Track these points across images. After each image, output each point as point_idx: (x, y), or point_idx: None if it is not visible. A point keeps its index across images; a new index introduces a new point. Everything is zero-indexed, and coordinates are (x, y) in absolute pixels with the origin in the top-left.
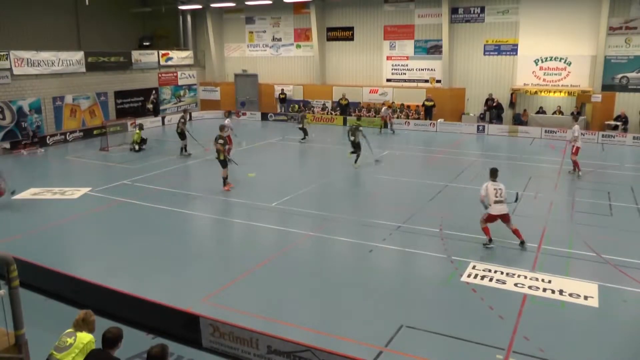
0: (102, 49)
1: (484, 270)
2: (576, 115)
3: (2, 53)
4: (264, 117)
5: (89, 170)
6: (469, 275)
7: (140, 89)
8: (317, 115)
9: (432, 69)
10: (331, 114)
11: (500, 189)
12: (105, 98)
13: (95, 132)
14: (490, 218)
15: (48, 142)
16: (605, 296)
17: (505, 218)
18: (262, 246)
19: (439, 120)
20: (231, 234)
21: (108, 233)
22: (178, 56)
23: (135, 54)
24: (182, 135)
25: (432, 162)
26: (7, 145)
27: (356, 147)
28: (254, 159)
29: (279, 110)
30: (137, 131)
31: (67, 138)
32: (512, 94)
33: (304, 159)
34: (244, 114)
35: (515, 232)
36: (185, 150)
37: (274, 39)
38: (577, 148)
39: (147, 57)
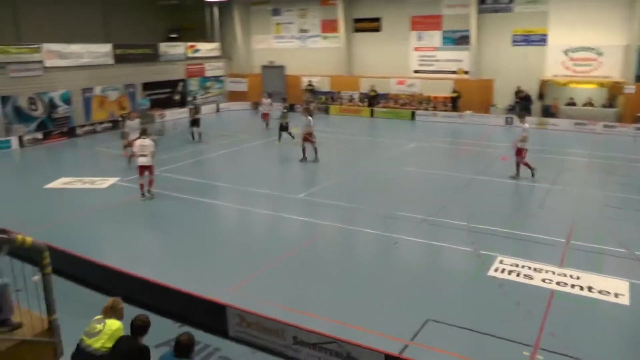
0: (130, 41)
1: (511, 265)
2: (523, 113)
3: (34, 46)
4: (291, 108)
5: (118, 161)
6: (495, 270)
7: (167, 80)
8: (344, 107)
9: (460, 60)
10: (358, 105)
11: (146, 145)
12: (133, 89)
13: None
14: (139, 169)
15: (78, 132)
16: (637, 294)
17: (149, 169)
18: (289, 237)
19: (466, 112)
20: (258, 224)
21: (136, 222)
22: (205, 48)
23: (163, 46)
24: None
25: (459, 154)
26: (39, 136)
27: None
28: (281, 151)
29: None
30: None
31: (96, 129)
32: (541, 86)
33: (331, 150)
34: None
35: (143, 186)
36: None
37: (300, 30)
38: (522, 150)
39: (174, 49)
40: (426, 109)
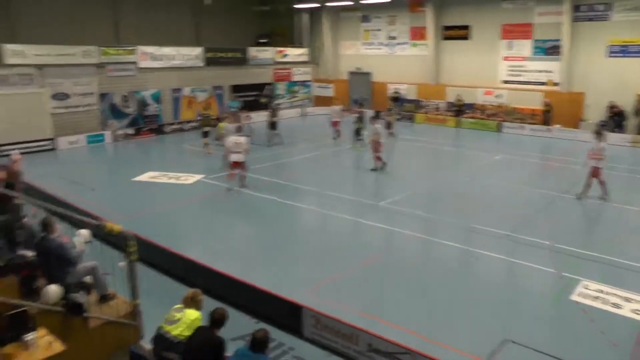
0: (220, 45)
1: (596, 291)
2: (601, 129)
3: (130, 48)
4: (377, 115)
5: (203, 159)
6: (579, 295)
7: (255, 83)
8: (430, 116)
9: (550, 71)
10: (444, 114)
11: (239, 142)
12: (221, 91)
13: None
14: (232, 164)
15: (166, 130)
16: None
17: (240, 165)
18: (368, 244)
19: (555, 126)
20: (338, 229)
21: (218, 218)
22: (293, 53)
23: (252, 50)
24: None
25: (545, 169)
26: (130, 131)
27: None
28: (363, 158)
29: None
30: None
31: (184, 127)
32: (638, 101)
33: (414, 159)
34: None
35: (233, 176)
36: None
37: (389, 37)
38: (598, 169)
39: (263, 53)
40: (513, 121)
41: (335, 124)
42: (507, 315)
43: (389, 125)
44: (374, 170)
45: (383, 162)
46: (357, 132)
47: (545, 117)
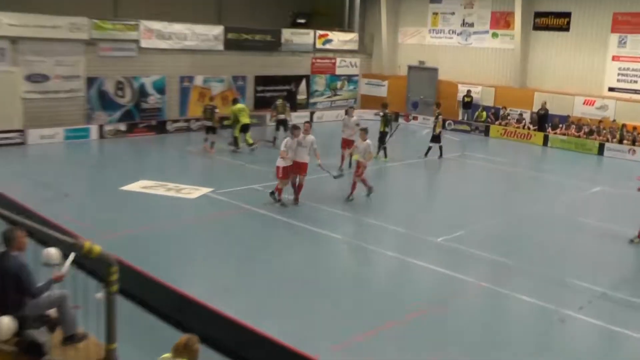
0: (246, 25)
1: None
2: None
3: (131, 23)
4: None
5: (213, 167)
6: None
7: (287, 75)
8: (509, 129)
9: None
10: (528, 128)
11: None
12: (243, 83)
13: (225, 122)
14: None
15: (168, 129)
16: None
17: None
18: (418, 291)
19: None
20: (379, 269)
21: (226, 245)
22: (339, 39)
23: (287, 33)
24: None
25: None
26: (122, 127)
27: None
28: (419, 179)
29: (460, 117)
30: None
31: (191, 126)
32: None
33: (486, 184)
34: (414, 119)
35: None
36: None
37: (464, 24)
38: None
39: (301, 37)
40: (620, 142)
41: (346, 144)
42: None
43: (435, 138)
44: (349, 199)
45: (369, 187)
46: (382, 139)
47: None
